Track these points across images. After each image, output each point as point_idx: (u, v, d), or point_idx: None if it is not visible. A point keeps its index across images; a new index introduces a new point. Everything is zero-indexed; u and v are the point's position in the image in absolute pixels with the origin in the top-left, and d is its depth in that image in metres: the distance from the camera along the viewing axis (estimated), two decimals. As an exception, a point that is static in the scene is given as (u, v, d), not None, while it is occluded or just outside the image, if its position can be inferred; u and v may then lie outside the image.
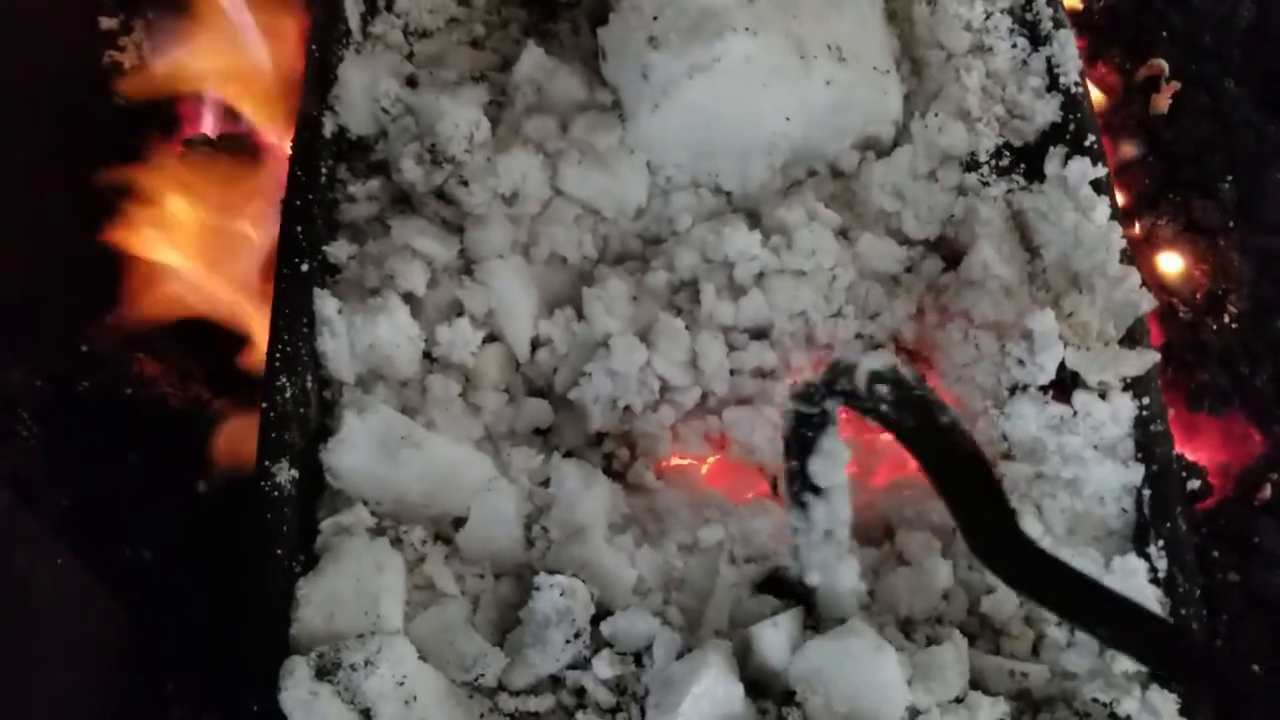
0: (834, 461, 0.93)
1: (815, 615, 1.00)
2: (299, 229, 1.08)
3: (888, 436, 1.16)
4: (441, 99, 1.14)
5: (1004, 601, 1.01)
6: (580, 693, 0.95)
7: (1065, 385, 1.05)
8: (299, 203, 1.10)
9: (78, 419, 1.15)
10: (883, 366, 0.83)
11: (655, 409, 1.11)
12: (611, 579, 1.00)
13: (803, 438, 0.93)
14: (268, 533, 0.96)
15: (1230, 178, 1.29)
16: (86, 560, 1.08)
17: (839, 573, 0.98)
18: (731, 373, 1.13)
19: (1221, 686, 0.82)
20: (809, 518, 0.96)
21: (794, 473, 0.95)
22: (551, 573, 0.97)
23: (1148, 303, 1.04)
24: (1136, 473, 1.02)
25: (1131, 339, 1.06)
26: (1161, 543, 0.99)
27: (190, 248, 1.20)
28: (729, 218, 1.16)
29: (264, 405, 1.00)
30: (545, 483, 1.07)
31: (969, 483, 0.84)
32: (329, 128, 1.16)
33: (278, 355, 1.02)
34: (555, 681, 0.96)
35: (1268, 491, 1.13)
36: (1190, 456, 1.16)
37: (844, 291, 1.14)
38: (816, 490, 0.94)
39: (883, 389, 0.83)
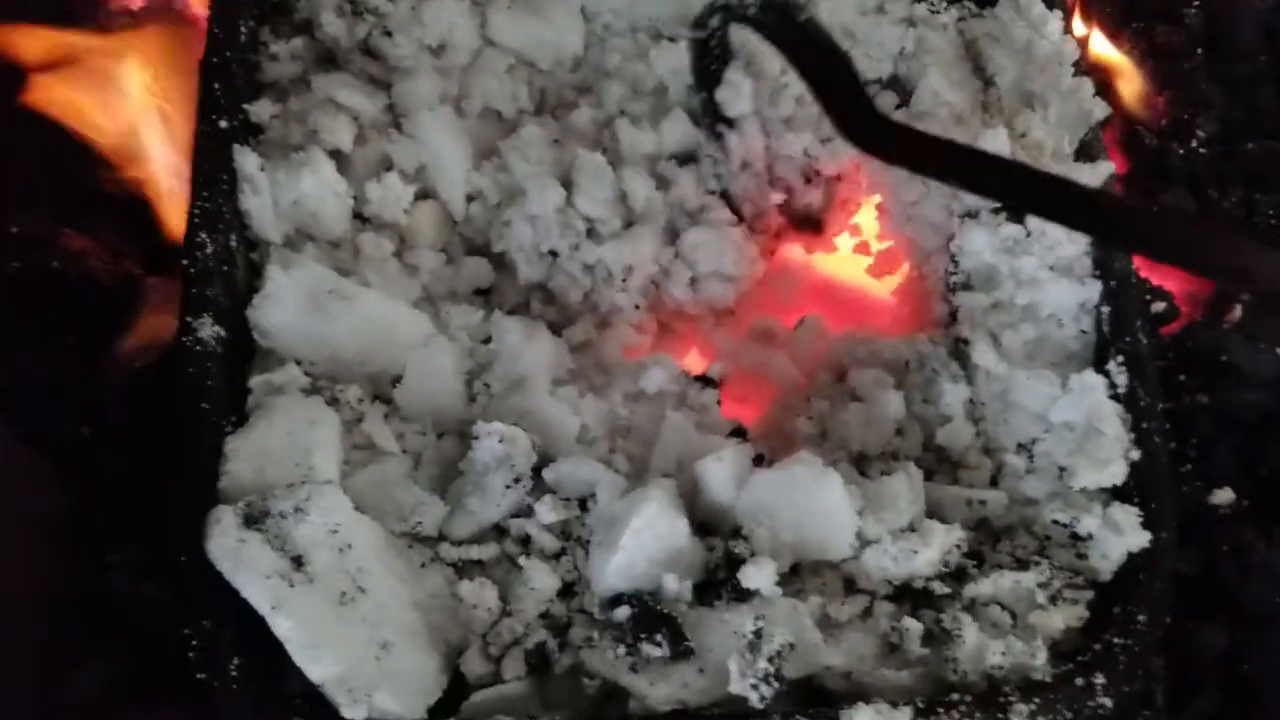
0: (739, 91, 1.05)
1: None
2: (217, 86, 1.04)
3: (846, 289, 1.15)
4: (360, -53, 1.09)
5: (960, 432, 0.97)
6: (525, 541, 0.92)
7: (1019, 206, 1.01)
8: (216, 60, 1.05)
9: (10, 299, 1.12)
10: None
11: (610, 283, 1.07)
12: (554, 428, 0.97)
13: (706, 70, 1.05)
14: (193, 388, 0.92)
15: (1197, 4, 1.24)
16: (24, 439, 1.06)
17: (763, 201, 1.10)
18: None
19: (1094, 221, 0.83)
20: (725, 149, 1.08)
21: (705, 106, 1.07)
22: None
23: (1101, 110, 1.00)
24: (1094, 289, 0.98)
25: (1087, 154, 1.02)
26: (1121, 358, 0.95)
27: (114, 119, 1.16)
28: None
29: (184, 262, 0.96)
30: (487, 340, 1.04)
31: (828, 71, 0.94)
32: (248, -15, 1.11)
33: (197, 212, 0.98)
34: (499, 531, 0.93)
35: (1237, 313, 1.09)
36: (1158, 283, 1.12)
37: (794, 101, 1.10)
38: (729, 121, 1.07)
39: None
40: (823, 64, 0.94)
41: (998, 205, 1.01)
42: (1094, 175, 0.99)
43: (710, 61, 1.05)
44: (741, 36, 1.05)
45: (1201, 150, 1.17)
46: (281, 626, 0.81)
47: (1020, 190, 0.85)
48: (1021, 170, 0.88)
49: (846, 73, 0.93)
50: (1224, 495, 1.02)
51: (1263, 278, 0.75)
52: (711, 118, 1.07)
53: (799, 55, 0.96)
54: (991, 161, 0.88)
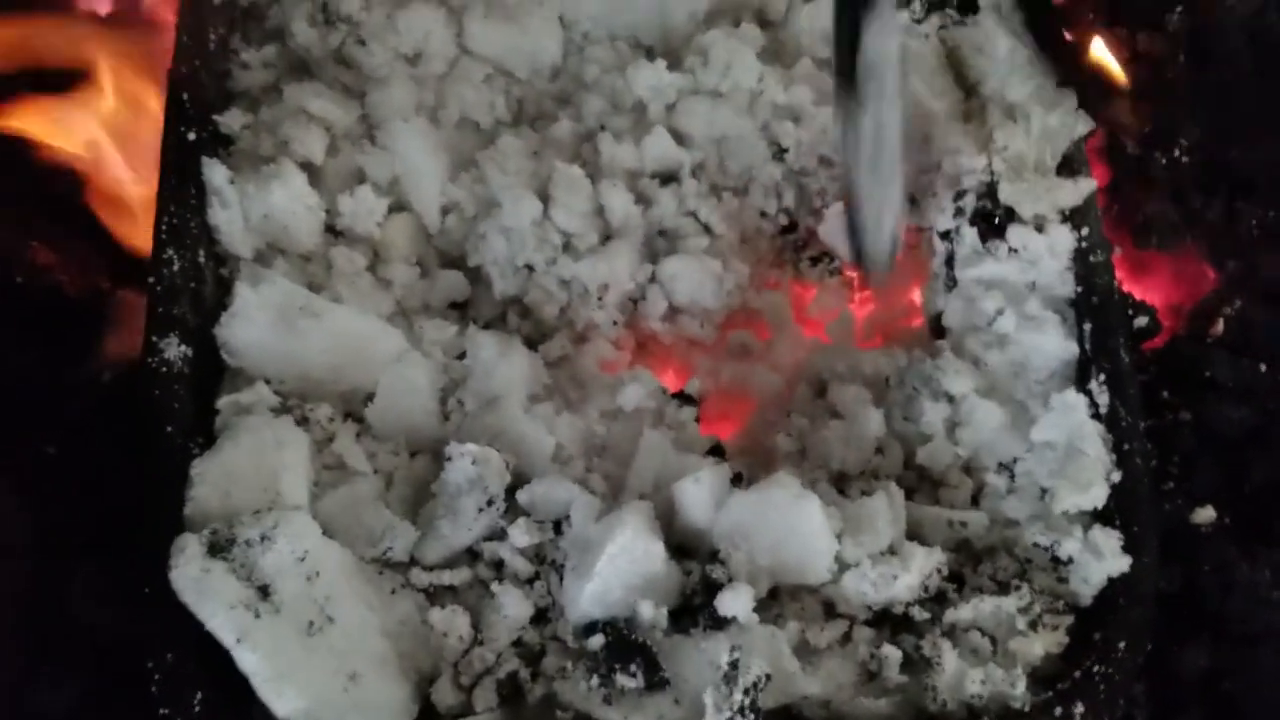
0: (888, 33, 0.86)
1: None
2: (185, 96, 1.02)
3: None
4: (331, -46, 1.07)
5: (941, 450, 0.96)
6: (498, 565, 0.91)
7: (1000, 220, 1.00)
8: (185, 70, 1.03)
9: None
10: None
11: (586, 300, 1.05)
12: (529, 447, 0.96)
13: (853, 15, 0.86)
14: (158, 410, 0.91)
15: (1180, 8, 1.22)
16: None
17: (884, 215, 0.95)
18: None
19: None
20: (855, 124, 0.89)
21: (842, 61, 0.88)
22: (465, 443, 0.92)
23: (1084, 124, 0.99)
24: (1076, 307, 0.97)
25: (1069, 168, 1.00)
26: (1103, 377, 0.94)
27: (82, 127, 1.13)
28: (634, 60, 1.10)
29: (150, 279, 0.95)
30: (462, 355, 1.02)
31: None
32: (218, -7, 1.09)
33: (164, 227, 0.97)
34: (472, 555, 0.92)
35: (1220, 326, 1.07)
36: (1140, 296, 1.10)
37: (770, 108, 1.08)
38: (863, 84, 0.87)
39: None
40: None
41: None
42: (1076, 192, 0.97)
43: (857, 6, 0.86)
44: None
45: (1184, 158, 1.15)
46: (246, 660, 0.79)
47: None
48: None
49: None
50: (1205, 514, 1.00)
51: None
52: (845, 76, 0.89)
53: None
54: None
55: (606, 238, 1.06)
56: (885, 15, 0.85)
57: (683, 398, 1.02)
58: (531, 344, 1.05)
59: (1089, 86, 1.20)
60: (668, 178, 1.08)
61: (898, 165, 0.92)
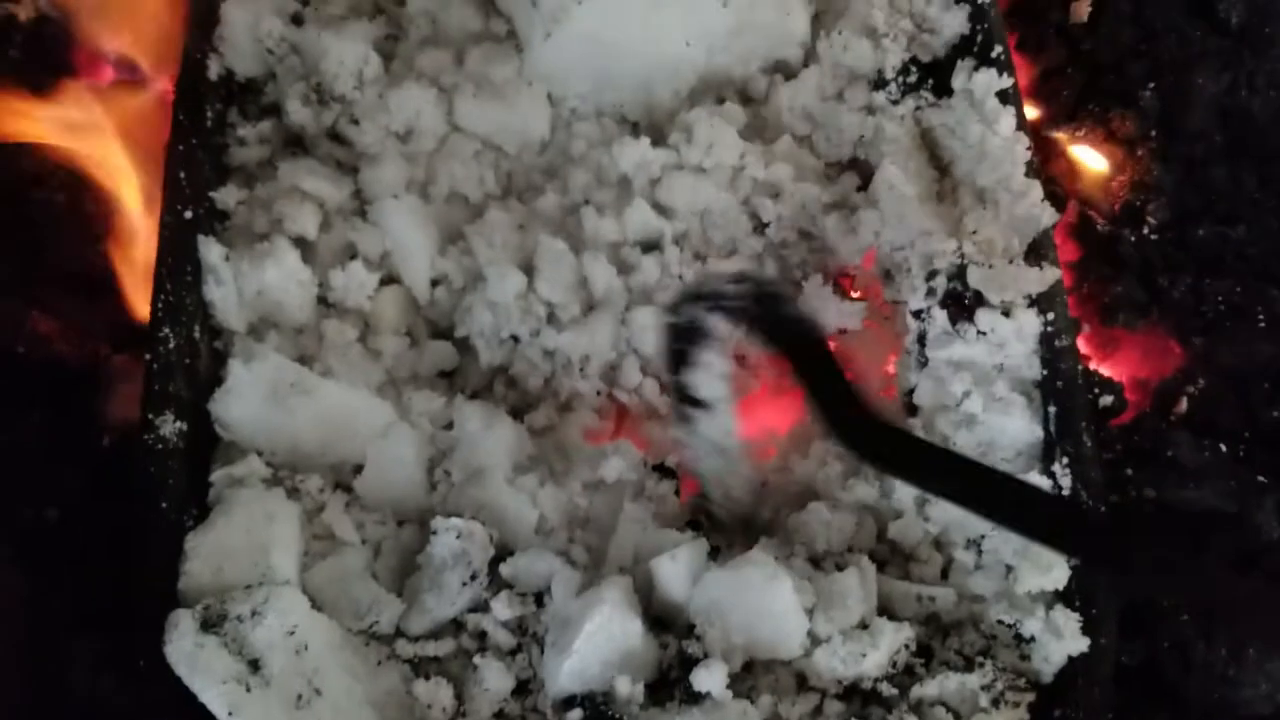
0: (712, 374, 0.97)
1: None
2: (181, 174, 1.05)
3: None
4: (324, 35, 1.10)
5: (911, 526, 0.99)
6: (482, 636, 0.94)
7: (970, 303, 1.03)
8: (181, 148, 1.06)
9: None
10: (741, 269, 0.94)
11: (569, 371, 1.09)
12: (512, 519, 0.99)
13: (679, 351, 0.97)
14: (152, 486, 0.94)
15: (1152, 85, 1.25)
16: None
17: (732, 488, 1.03)
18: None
19: (1082, 536, 0.80)
20: (695, 431, 0.99)
21: (675, 387, 0.99)
22: (450, 516, 0.95)
23: (1049, 217, 1.02)
24: (1042, 390, 1.00)
25: (1036, 254, 1.03)
26: (1066, 460, 0.97)
27: (81, 198, 1.16)
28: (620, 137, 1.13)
29: (147, 356, 0.98)
30: (450, 426, 1.05)
31: (817, 365, 0.90)
32: (215, 70, 1.12)
33: (160, 305, 1.00)
34: (457, 626, 0.95)
35: (1184, 405, 1.10)
36: (1107, 372, 1.13)
37: (751, 183, 1.12)
38: (699, 404, 0.98)
39: (740, 288, 0.90)
40: (811, 358, 0.90)
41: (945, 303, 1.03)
42: (1042, 279, 1.00)
43: (683, 343, 0.96)
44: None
45: (1153, 236, 1.18)
46: (237, 734, 0.82)
47: (1017, 512, 0.80)
48: (1020, 490, 0.83)
49: (834, 369, 0.89)
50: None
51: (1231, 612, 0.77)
52: (680, 399, 0.99)
53: (787, 349, 0.92)
54: (990, 478, 0.83)
55: (589, 308, 1.09)
56: (708, 357, 0.97)
57: (663, 470, 1.06)
58: (518, 413, 1.09)
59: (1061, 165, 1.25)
60: (649, 245, 1.11)
61: (737, 451, 1.03)
